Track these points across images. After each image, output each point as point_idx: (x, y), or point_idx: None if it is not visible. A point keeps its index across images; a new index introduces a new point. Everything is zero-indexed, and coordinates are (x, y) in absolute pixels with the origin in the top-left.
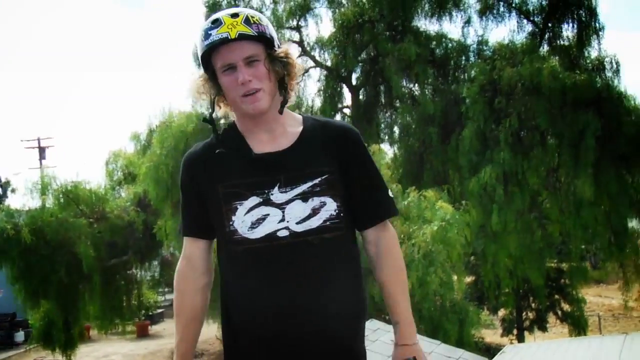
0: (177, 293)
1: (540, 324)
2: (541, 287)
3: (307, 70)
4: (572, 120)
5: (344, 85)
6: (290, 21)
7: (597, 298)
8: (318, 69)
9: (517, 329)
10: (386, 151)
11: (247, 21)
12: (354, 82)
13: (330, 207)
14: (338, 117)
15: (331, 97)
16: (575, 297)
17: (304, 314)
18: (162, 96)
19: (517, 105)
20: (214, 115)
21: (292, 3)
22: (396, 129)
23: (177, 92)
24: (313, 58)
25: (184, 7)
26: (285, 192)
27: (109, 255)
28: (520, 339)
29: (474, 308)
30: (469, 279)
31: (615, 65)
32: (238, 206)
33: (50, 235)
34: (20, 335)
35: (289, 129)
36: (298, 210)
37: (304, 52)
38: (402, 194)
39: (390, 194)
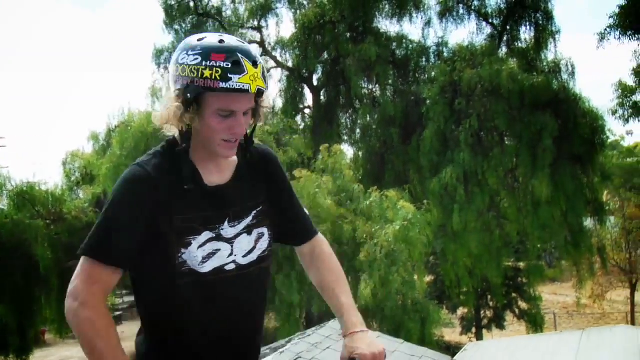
0: (101, 323)
1: (498, 322)
2: (499, 285)
3: (267, 71)
4: (530, 121)
5: (305, 86)
6: (252, 21)
7: (552, 296)
8: (279, 69)
9: (475, 327)
10: (346, 152)
11: (264, 74)
12: (315, 82)
13: (266, 237)
14: (299, 118)
15: (292, 98)
16: (532, 295)
17: (242, 339)
18: (120, 96)
19: (477, 107)
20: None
21: (253, 3)
22: (357, 130)
23: (135, 91)
24: (274, 58)
25: (141, 7)
26: (234, 226)
27: (66, 257)
28: (479, 337)
29: (435, 307)
30: (428, 279)
31: (570, 68)
32: (192, 241)
33: (5, 237)
34: None
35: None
36: (245, 243)
37: (265, 52)
38: (364, 194)
39: (306, 211)
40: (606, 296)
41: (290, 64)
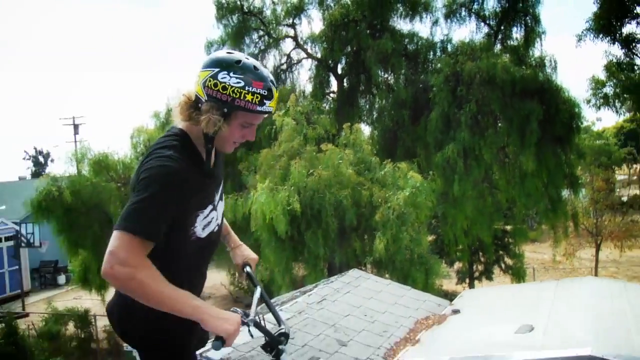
0: (159, 275)
1: (488, 275)
2: (489, 244)
3: (299, 61)
4: (519, 107)
5: (331, 74)
6: (287, 19)
7: (532, 254)
8: (309, 60)
9: (469, 278)
10: (365, 130)
11: None
12: (339, 71)
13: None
14: (325, 101)
15: (320, 84)
16: (516, 253)
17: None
18: (176, 82)
19: (476, 93)
20: None
21: (288, 4)
22: (374, 112)
23: (190, 78)
24: (305, 50)
25: (195, 5)
26: (217, 195)
27: None
28: (471, 286)
29: (436, 260)
30: (430, 238)
31: (553, 63)
32: (200, 214)
33: (86, 196)
34: (62, 279)
35: None
36: (221, 207)
37: (298, 45)
38: (380, 165)
39: None
40: (576, 254)
41: (318, 55)
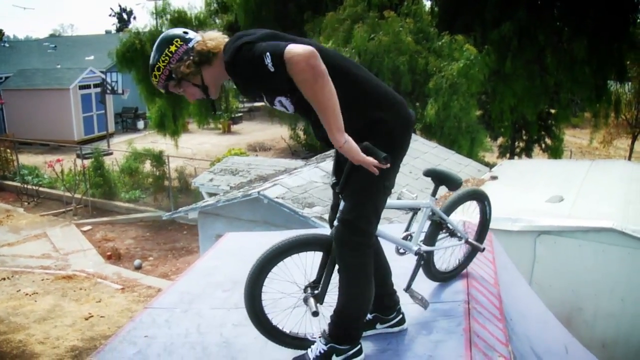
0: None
1: (528, 152)
2: (533, 123)
3: None
4: None
5: None
6: None
7: (571, 138)
8: None
9: (510, 153)
10: (426, 2)
11: (160, 72)
12: None
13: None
14: None
15: None
16: (556, 134)
17: None
18: None
19: None
20: None
21: None
22: None
23: None
24: None
25: None
26: (268, 98)
27: None
28: None
29: (483, 131)
30: (478, 112)
31: None
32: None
33: None
34: (141, 124)
35: None
36: (283, 102)
37: None
38: (437, 36)
39: None
40: (613, 143)
41: None
